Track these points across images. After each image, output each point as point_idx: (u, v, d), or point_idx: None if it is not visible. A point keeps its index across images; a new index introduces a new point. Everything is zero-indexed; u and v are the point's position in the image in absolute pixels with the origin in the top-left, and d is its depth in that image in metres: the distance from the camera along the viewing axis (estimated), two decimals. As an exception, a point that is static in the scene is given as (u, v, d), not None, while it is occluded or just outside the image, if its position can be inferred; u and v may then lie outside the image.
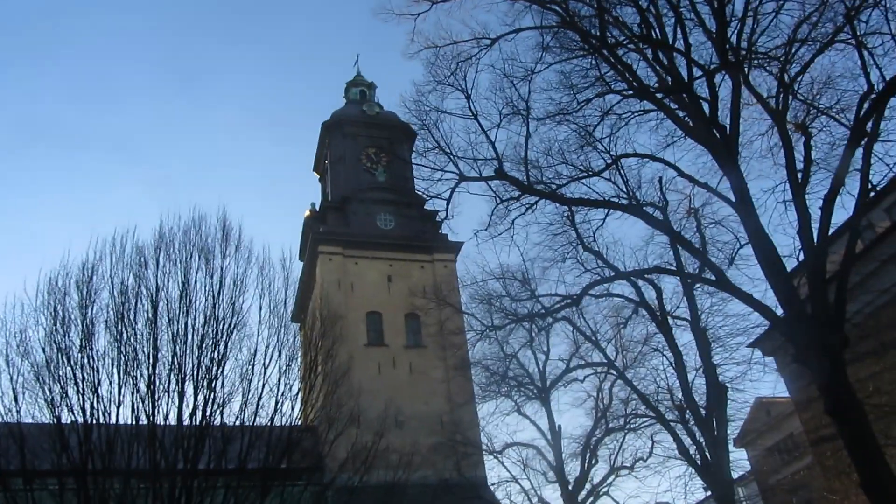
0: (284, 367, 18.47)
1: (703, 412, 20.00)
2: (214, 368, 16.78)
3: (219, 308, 17.57)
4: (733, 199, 15.86)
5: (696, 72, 15.50)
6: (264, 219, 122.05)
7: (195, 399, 16.57)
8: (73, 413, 15.87)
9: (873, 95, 13.65)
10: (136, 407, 16.24)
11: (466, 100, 17.33)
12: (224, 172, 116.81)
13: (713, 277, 16.02)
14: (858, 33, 14.52)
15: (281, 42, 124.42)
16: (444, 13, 17.77)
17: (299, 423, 19.87)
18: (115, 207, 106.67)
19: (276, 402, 18.13)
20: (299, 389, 20.14)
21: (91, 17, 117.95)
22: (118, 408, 16.18)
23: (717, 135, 14.94)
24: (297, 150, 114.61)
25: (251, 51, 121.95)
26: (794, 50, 16.02)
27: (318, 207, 46.42)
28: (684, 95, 16.53)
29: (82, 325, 16.41)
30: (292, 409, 19.11)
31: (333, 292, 38.68)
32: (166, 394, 16.42)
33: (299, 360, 20.38)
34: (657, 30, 16.55)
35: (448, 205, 17.70)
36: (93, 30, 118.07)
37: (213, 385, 16.74)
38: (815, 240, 13.72)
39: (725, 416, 19.77)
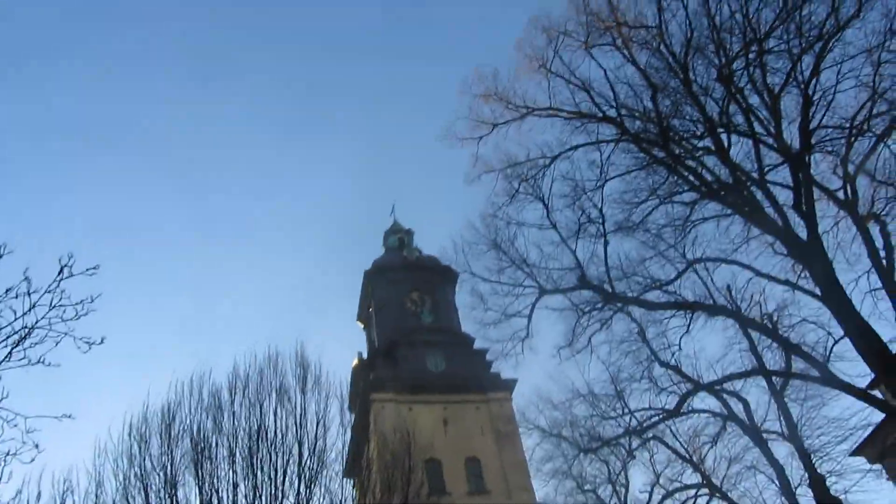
0: None
1: (818, 532, 18.30)
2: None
3: None
4: (818, 293, 15.31)
5: (769, 162, 15.46)
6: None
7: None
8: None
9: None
10: None
11: (545, 209, 17.31)
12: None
13: (817, 374, 15.13)
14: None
15: (312, 198, 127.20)
16: (502, 137, 18.33)
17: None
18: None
19: None
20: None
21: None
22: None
23: (803, 221, 14.63)
24: (338, 301, 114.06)
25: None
26: (853, 139, 16.04)
27: (365, 356, 45.87)
28: (747, 192, 16.46)
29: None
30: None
31: (391, 440, 37.31)
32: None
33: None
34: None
35: (528, 322, 17.35)
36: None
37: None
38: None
39: (845, 533, 18.03)
